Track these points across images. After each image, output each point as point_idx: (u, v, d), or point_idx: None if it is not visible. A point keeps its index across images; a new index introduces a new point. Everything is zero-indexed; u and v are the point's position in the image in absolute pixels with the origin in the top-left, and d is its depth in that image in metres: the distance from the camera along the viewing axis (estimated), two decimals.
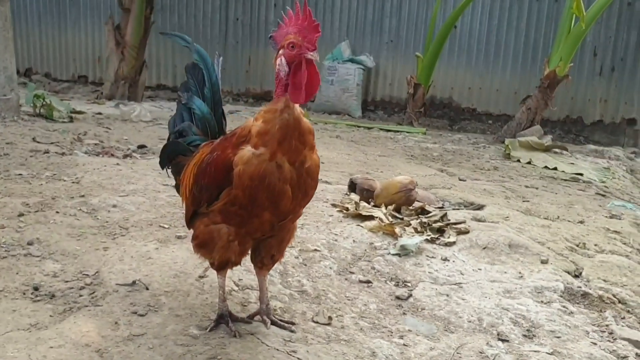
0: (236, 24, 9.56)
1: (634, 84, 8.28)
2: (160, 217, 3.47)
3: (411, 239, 3.35)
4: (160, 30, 8.98)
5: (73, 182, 3.87)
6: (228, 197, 2.15)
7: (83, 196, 3.64)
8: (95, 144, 5.15)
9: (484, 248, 3.53)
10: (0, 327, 2.26)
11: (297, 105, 2.14)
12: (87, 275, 2.72)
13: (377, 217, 3.60)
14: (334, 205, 3.92)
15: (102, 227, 3.27)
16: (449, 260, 3.31)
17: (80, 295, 2.55)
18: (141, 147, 5.24)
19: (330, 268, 3.08)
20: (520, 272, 3.28)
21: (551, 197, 5.10)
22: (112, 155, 4.89)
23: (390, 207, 3.81)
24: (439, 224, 3.71)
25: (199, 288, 2.66)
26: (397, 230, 3.45)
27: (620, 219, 4.66)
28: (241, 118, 7.72)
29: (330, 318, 2.58)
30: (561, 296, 3.09)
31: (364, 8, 9.07)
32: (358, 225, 3.57)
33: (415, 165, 5.63)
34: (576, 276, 3.43)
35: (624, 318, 3.00)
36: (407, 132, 7.41)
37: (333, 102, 8.79)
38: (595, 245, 3.95)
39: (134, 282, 2.64)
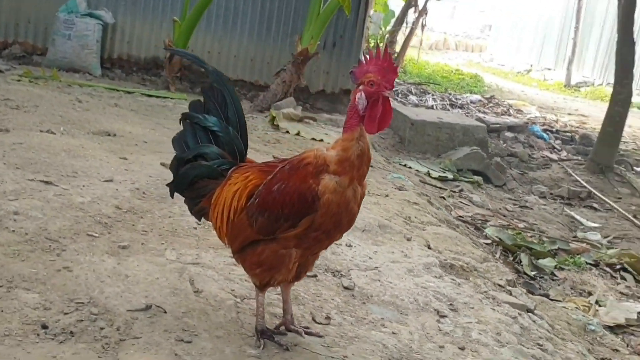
0: None
1: (350, 58, 9.47)
2: (76, 224, 3.21)
3: None
4: None
5: None
6: (311, 223, 2.30)
7: None
8: None
9: (363, 230, 4.08)
10: None
11: (367, 135, 2.38)
12: (83, 303, 2.52)
13: None
14: None
15: (29, 241, 2.93)
16: (352, 246, 3.78)
17: (102, 328, 2.39)
18: None
19: None
20: (402, 252, 3.92)
21: None
22: None
23: None
24: None
25: (208, 304, 2.70)
26: None
27: (407, 190, 5.64)
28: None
29: (328, 317, 2.88)
30: (441, 269, 3.82)
31: None
32: None
33: None
34: (429, 248, 4.21)
35: (487, 283, 3.87)
36: (171, 99, 7.40)
37: (71, 58, 8.17)
38: (416, 218, 4.80)
39: (148, 307, 2.55)
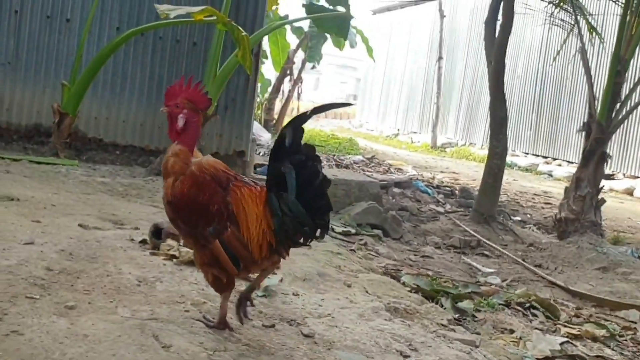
0: None
1: (242, 121, 9.48)
2: (9, 287, 2.88)
3: (270, 280, 3.59)
4: None
5: None
6: None
7: None
8: None
9: (304, 280, 3.99)
10: None
11: None
12: None
13: None
14: (154, 254, 3.79)
15: None
16: (299, 295, 3.67)
17: None
18: None
19: (231, 317, 3.12)
20: (347, 298, 3.86)
21: None
22: None
23: None
24: None
25: (181, 358, 2.48)
26: None
27: (326, 242, 5.60)
28: None
29: None
30: (388, 313, 3.79)
31: None
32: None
33: (128, 203, 5.54)
34: (368, 294, 4.18)
35: (432, 323, 3.88)
36: (62, 165, 6.96)
37: None
38: (345, 266, 4.76)
39: None
